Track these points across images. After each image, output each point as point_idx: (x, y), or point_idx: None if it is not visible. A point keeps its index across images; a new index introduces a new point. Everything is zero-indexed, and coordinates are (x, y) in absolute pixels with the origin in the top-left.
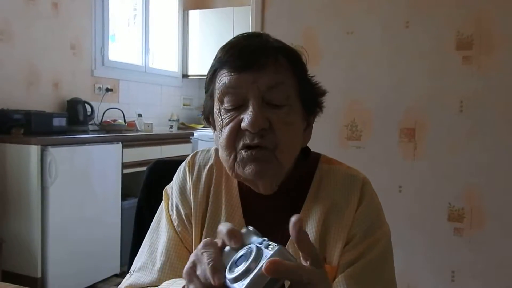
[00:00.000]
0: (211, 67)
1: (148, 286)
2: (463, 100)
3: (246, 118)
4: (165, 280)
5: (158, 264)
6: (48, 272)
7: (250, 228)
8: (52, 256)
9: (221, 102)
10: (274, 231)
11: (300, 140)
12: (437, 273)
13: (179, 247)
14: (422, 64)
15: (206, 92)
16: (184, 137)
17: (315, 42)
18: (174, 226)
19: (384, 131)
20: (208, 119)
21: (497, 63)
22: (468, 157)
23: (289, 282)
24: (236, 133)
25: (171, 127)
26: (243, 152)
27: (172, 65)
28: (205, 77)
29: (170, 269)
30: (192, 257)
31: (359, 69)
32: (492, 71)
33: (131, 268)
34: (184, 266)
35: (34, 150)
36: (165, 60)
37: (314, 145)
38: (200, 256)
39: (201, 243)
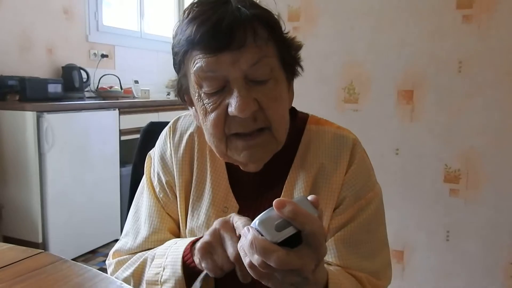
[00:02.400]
0: (180, 46)
1: (135, 252)
2: (462, 61)
3: (233, 103)
4: (151, 245)
5: (143, 231)
6: (49, 237)
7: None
8: (52, 221)
9: (200, 86)
10: (261, 197)
11: (288, 109)
12: (432, 233)
13: (161, 212)
14: (421, 24)
15: (177, 72)
16: (181, 103)
17: (313, 1)
18: (155, 193)
19: (382, 94)
20: (184, 98)
21: (498, 22)
22: (466, 119)
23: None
24: (224, 120)
25: (168, 93)
26: (236, 140)
27: (168, 31)
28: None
29: (154, 234)
30: (207, 236)
31: (358, 30)
32: (493, 31)
33: (122, 234)
34: (167, 228)
35: (30, 116)
36: (161, 25)
37: (310, 107)
38: (217, 238)
39: (219, 223)
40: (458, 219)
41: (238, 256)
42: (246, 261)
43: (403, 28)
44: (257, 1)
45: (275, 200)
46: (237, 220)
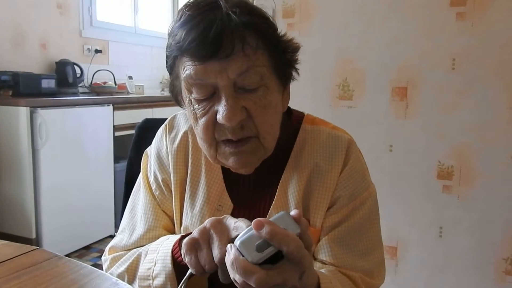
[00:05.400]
0: (171, 50)
1: (130, 248)
2: (456, 58)
3: (221, 111)
4: (146, 242)
5: (138, 229)
6: (42, 233)
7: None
8: (46, 217)
9: (190, 92)
10: (256, 196)
11: (280, 116)
12: (425, 229)
13: (157, 210)
14: (415, 21)
15: (170, 74)
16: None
17: None
18: (151, 190)
19: (376, 90)
20: (177, 99)
21: (491, 20)
22: (459, 116)
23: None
24: (213, 126)
25: (163, 89)
26: (225, 146)
27: (162, 26)
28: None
29: (149, 231)
30: (196, 232)
31: (352, 27)
32: (486, 28)
33: (118, 231)
34: (162, 226)
35: (23, 111)
36: (156, 20)
37: (305, 105)
38: (206, 236)
39: (210, 222)
40: (451, 215)
41: (222, 259)
42: (231, 276)
43: (397, 25)
44: (253, 1)
45: (254, 220)
46: (236, 221)
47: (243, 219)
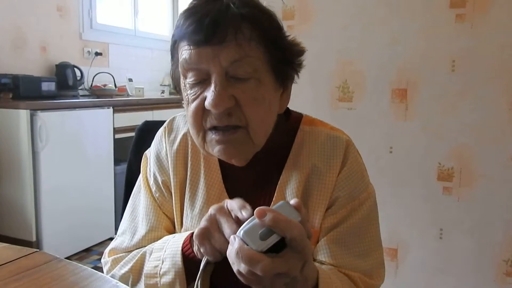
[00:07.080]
0: (173, 36)
1: (132, 250)
2: (455, 60)
3: (209, 98)
4: (147, 243)
5: (140, 230)
6: (42, 236)
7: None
8: (46, 220)
9: (185, 77)
10: (255, 196)
11: (273, 113)
12: (425, 230)
13: (158, 211)
14: (415, 23)
15: (172, 61)
16: (176, 101)
17: (307, 0)
18: (152, 192)
19: (376, 92)
20: (177, 88)
21: (490, 22)
22: (459, 117)
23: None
24: (202, 112)
25: (163, 92)
26: (211, 133)
27: (162, 29)
28: None
29: (150, 232)
30: (204, 222)
31: (352, 29)
32: (486, 30)
33: (117, 233)
34: (163, 227)
35: (23, 114)
36: (156, 23)
37: (304, 106)
38: (214, 222)
39: (214, 209)
40: (451, 216)
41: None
42: (234, 268)
43: (396, 27)
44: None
45: (256, 209)
46: (231, 203)
47: (237, 200)
